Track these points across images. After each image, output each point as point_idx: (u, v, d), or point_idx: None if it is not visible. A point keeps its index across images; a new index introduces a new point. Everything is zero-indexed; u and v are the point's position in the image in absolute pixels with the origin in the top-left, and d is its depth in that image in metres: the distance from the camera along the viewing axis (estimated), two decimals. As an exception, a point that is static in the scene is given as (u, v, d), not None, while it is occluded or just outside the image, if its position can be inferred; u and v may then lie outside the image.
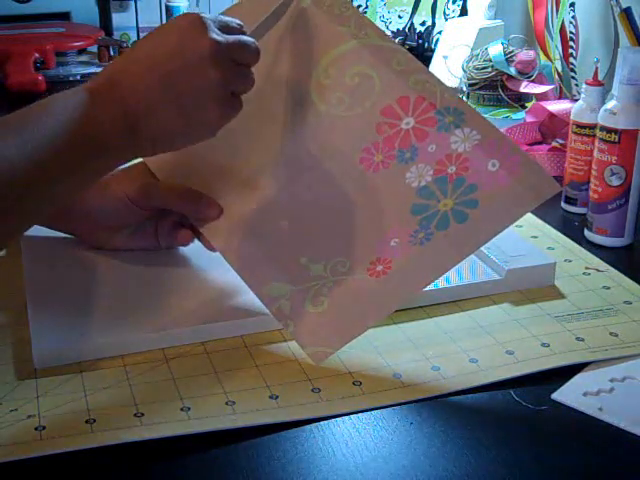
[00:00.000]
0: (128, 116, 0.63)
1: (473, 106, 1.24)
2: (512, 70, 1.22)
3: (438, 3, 1.58)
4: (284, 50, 0.76)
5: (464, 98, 1.28)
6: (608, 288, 0.82)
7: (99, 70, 1.55)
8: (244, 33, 0.69)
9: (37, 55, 1.47)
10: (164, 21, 1.67)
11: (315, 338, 0.68)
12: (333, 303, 0.69)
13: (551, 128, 1.13)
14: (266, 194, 0.75)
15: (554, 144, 1.13)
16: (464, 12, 1.53)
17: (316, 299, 0.70)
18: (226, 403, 0.64)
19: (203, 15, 0.66)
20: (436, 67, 1.43)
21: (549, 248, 0.90)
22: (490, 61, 1.22)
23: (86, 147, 0.62)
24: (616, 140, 0.88)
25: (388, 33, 1.64)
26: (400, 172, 0.71)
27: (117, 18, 1.71)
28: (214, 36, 0.65)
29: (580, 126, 0.96)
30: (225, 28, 0.67)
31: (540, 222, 0.96)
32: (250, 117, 0.74)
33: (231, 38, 0.66)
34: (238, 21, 0.69)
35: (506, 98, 1.22)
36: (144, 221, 0.82)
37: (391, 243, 0.69)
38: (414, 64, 0.73)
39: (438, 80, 0.72)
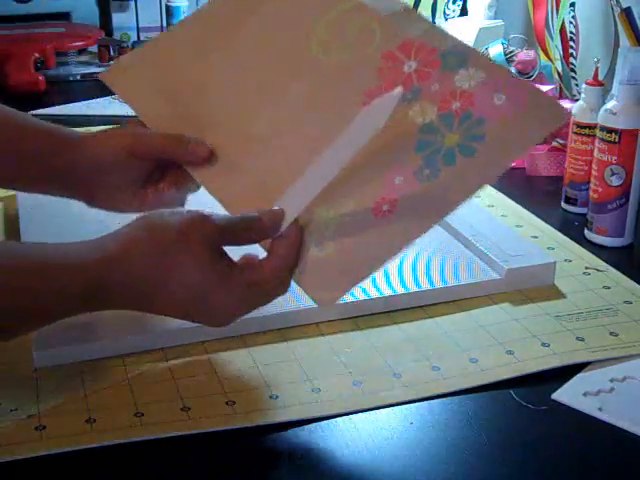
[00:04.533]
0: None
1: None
2: (512, 70, 1.22)
3: (438, 3, 1.58)
4: (283, 8, 0.77)
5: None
6: (608, 288, 0.82)
7: (99, 70, 1.55)
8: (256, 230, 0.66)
9: (37, 55, 1.47)
10: (164, 21, 1.67)
11: (321, 282, 0.66)
12: (338, 246, 0.67)
13: (551, 128, 1.13)
14: (265, 138, 0.74)
15: (554, 144, 1.13)
16: (464, 12, 1.53)
17: (320, 242, 0.67)
18: (226, 403, 0.64)
19: (223, 238, 0.64)
20: (436, 67, 1.43)
21: (549, 248, 0.90)
22: (490, 61, 1.22)
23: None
24: (616, 140, 0.88)
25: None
26: (402, 111, 0.69)
27: (117, 18, 1.71)
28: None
29: (580, 126, 0.96)
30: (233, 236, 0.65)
31: (540, 222, 0.96)
32: (251, 73, 0.75)
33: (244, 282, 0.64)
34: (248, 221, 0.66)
35: (506, 98, 1.22)
36: (144, 181, 0.80)
37: (395, 181, 0.67)
38: (416, 15, 0.73)
39: (440, 28, 0.72)
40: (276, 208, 0.66)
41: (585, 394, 0.66)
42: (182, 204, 0.83)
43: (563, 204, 1.01)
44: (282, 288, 0.66)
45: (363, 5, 0.74)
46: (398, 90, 0.67)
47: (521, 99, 0.66)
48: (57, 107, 1.34)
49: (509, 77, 0.68)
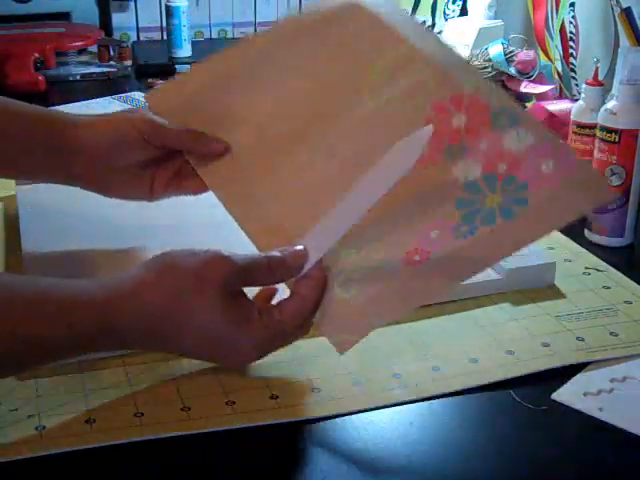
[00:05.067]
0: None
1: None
2: (512, 70, 1.22)
3: (438, 3, 1.58)
4: (337, 48, 0.77)
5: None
6: (608, 288, 0.82)
7: (99, 70, 1.55)
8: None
9: (37, 55, 1.47)
10: (164, 22, 1.67)
11: (341, 325, 0.64)
12: (363, 290, 0.65)
13: (551, 128, 1.13)
14: (296, 175, 0.73)
15: (554, 144, 1.13)
16: (464, 12, 1.53)
17: (347, 285, 0.66)
18: (226, 403, 0.64)
19: (240, 279, 0.62)
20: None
21: (549, 248, 0.90)
22: (490, 61, 1.22)
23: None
24: (616, 140, 0.88)
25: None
26: (447, 166, 0.68)
27: (117, 18, 1.71)
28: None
29: (580, 126, 0.96)
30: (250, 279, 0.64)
31: (540, 222, 0.96)
32: (289, 107, 0.76)
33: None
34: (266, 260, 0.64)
35: (506, 98, 1.22)
36: (144, 167, 0.81)
37: (431, 234, 0.66)
38: (470, 67, 0.75)
39: (493, 84, 0.72)
40: (300, 248, 0.64)
41: (585, 394, 0.66)
42: (193, 193, 0.83)
43: (563, 204, 1.01)
44: (302, 331, 0.65)
45: (416, 52, 0.73)
46: (428, 128, 0.66)
47: (569, 170, 0.65)
48: (57, 107, 1.33)
49: (558, 144, 0.67)
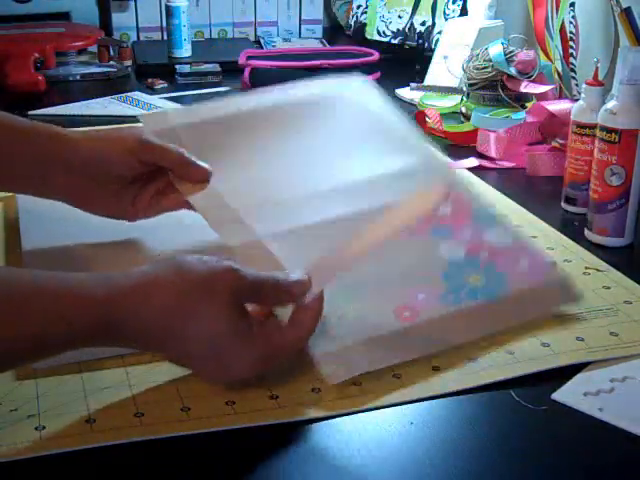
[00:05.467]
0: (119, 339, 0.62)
1: (473, 106, 1.24)
2: (512, 70, 1.22)
3: (438, 3, 1.58)
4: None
5: (464, 98, 1.28)
6: (608, 288, 0.82)
7: (99, 70, 1.55)
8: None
9: (37, 55, 1.47)
10: (164, 22, 1.67)
11: (334, 357, 0.67)
12: (357, 332, 0.68)
13: (551, 128, 1.13)
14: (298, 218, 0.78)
15: (554, 144, 1.13)
16: (464, 12, 1.53)
17: (340, 323, 0.68)
18: (226, 403, 0.64)
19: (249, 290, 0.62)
20: (436, 67, 1.43)
21: (549, 248, 0.90)
22: (490, 61, 1.22)
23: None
24: (616, 140, 0.88)
25: (388, 33, 1.64)
26: (434, 244, 0.76)
27: (117, 18, 1.71)
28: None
29: (580, 126, 0.96)
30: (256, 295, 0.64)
31: (540, 222, 0.96)
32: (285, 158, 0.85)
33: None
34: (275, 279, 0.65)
35: (506, 98, 1.22)
36: (127, 184, 0.82)
37: (419, 296, 0.71)
38: (452, 171, 0.88)
39: (472, 189, 0.83)
40: (305, 277, 0.65)
41: (585, 394, 0.66)
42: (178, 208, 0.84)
43: (563, 204, 1.01)
44: (295, 354, 0.66)
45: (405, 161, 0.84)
46: (443, 190, 0.73)
47: (540, 272, 0.76)
48: (57, 107, 1.34)
49: (531, 246, 0.79)
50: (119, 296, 0.60)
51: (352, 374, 0.66)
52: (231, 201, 0.79)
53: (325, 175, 0.83)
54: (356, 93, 0.94)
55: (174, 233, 0.85)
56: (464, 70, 1.27)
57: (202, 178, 0.81)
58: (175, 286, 0.60)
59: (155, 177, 0.83)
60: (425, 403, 0.65)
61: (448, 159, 0.77)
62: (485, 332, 0.71)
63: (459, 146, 1.19)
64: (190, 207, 0.82)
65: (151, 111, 0.94)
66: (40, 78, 1.43)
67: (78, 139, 0.81)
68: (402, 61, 1.60)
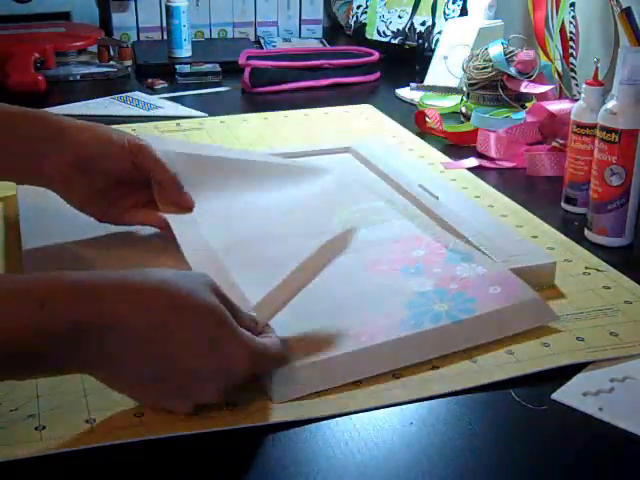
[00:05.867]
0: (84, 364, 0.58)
1: (473, 106, 1.24)
2: (512, 70, 1.22)
3: (438, 3, 1.58)
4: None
5: (464, 98, 1.28)
6: (608, 288, 0.82)
7: (99, 70, 1.55)
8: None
9: (37, 55, 1.47)
10: (164, 22, 1.67)
11: (285, 377, 0.65)
12: (311, 350, 0.67)
13: (551, 128, 1.13)
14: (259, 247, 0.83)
15: (554, 144, 1.13)
16: (464, 12, 1.53)
17: (296, 338, 0.68)
18: (226, 404, 0.64)
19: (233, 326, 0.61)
20: (436, 67, 1.43)
21: (549, 248, 0.90)
22: (490, 61, 1.22)
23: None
24: (616, 140, 0.88)
25: (388, 33, 1.64)
26: (401, 280, 0.77)
27: (117, 18, 1.71)
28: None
29: (580, 126, 0.96)
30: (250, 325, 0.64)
31: (540, 222, 0.96)
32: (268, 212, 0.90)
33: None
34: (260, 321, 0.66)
35: (506, 98, 1.22)
36: (112, 186, 0.83)
37: (380, 323, 0.71)
38: (430, 222, 0.88)
39: (453, 235, 0.84)
40: (253, 314, 0.66)
41: (585, 394, 0.66)
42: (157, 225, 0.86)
43: (563, 204, 1.01)
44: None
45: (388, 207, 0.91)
46: (353, 230, 0.71)
47: (515, 294, 0.75)
48: (57, 107, 1.33)
49: (507, 274, 0.77)
50: (106, 285, 0.58)
51: (303, 393, 0.65)
52: (207, 234, 0.83)
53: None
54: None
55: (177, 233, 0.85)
56: (464, 70, 1.27)
57: (187, 206, 0.85)
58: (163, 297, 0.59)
59: (140, 188, 0.84)
60: (425, 403, 0.65)
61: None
62: (443, 352, 0.70)
63: (459, 146, 1.19)
64: (162, 229, 0.84)
65: (145, 132, 0.97)
66: (40, 78, 1.43)
67: (78, 127, 0.81)
68: (402, 61, 1.60)
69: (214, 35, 1.78)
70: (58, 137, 0.80)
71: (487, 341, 0.71)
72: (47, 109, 1.32)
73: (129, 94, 1.41)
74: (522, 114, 1.20)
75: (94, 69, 1.56)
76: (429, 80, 1.43)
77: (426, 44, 1.58)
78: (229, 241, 0.83)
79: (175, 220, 0.83)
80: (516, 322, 0.73)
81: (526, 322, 0.73)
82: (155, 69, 1.55)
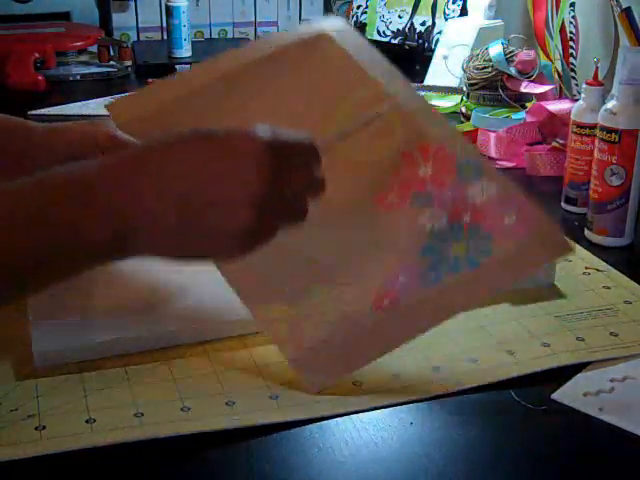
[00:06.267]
0: (118, 237, 0.56)
1: (473, 106, 1.24)
2: (512, 70, 1.22)
3: (438, 3, 1.58)
4: (305, 81, 0.78)
5: (464, 98, 1.28)
6: (608, 288, 0.82)
7: (99, 70, 1.55)
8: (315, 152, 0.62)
9: (37, 55, 1.47)
10: (164, 22, 1.67)
11: (312, 366, 0.66)
12: (334, 333, 0.67)
13: (551, 128, 1.13)
14: None
15: (554, 144, 1.13)
16: (464, 12, 1.53)
17: (317, 325, 0.68)
18: (226, 403, 0.64)
19: (273, 148, 0.57)
20: (436, 67, 1.43)
21: (549, 248, 0.90)
22: (490, 61, 1.22)
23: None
24: (616, 140, 0.88)
25: (388, 33, 1.64)
26: (414, 214, 0.71)
27: (117, 18, 1.71)
28: (273, 176, 0.57)
29: (580, 126, 0.96)
30: (291, 149, 0.60)
31: (540, 222, 0.96)
32: None
33: (296, 172, 0.59)
34: (308, 138, 0.62)
35: (506, 98, 1.22)
36: None
37: (399, 278, 0.69)
38: (436, 116, 0.76)
39: (459, 132, 0.75)
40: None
41: (585, 394, 0.66)
42: None
43: (563, 204, 1.01)
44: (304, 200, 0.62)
45: (384, 96, 0.75)
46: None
47: (531, 225, 0.69)
48: (57, 107, 1.34)
49: (520, 197, 0.70)
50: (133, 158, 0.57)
51: (334, 380, 0.65)
52: None
53: None
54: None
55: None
56: (464, 70, 1.27)
57: None
58: (195, 146, 0.57)
59: None
60: (425, 403, 0.65)
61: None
62: (467, 308, 0.69)
63: (459, 146, 1.19)
64: None
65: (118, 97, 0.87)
66: (40, 78, 1.43)
67: (43, 131, 0.80)
68: (402, 61, 1.59)
69: (214, 35, 1.78)
70: (23, 143, 0.79)
71: (506, 288, 0.70)
72: (47, 109, 1.33)
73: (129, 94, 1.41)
74: (522, 114, 1.20)
75: (94, 69, 1.57)
76: (429, 80, 1.43)
77: (426, 44, 1.58)
78: None
79: None
80: (534, 257, 0.69)
81: (544, 256, 0.70)
82: (155, 69, 1.55)
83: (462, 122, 1.27)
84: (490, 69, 1.22)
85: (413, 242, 0.70)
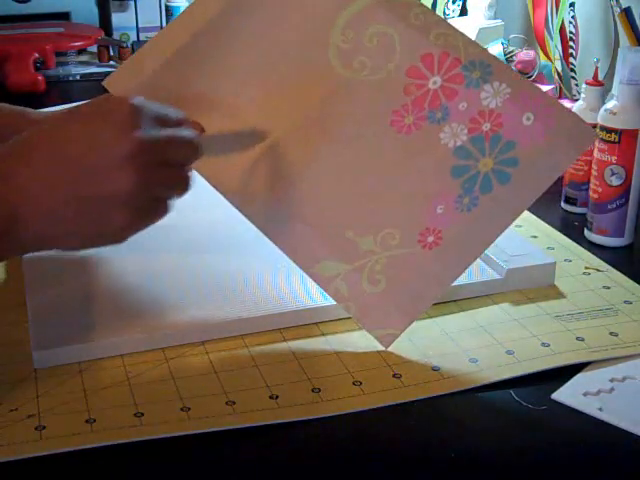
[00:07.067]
0: (7, 217, 0.57)
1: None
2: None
3: (438, 3, 1.58)
4: (294, 12, 0.73)
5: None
6: (608, 288, 0.82)
7: (99, 70, 1.55)
8: (184, 125, 0.63)
9: (37, 55, 1.47)
10: (164, 22, 1.67)
11: (380, 320, 0.68)
12: (391, 281, 0.68)
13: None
14: (296, 164, 0.72)
15: (554, 144, 1.13)
16: (464, 12, 1.53)
17: (372, 277, 0.69)
18: (226, 403, 0.64)
19: (138, 105, 0.59)
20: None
21: (549, 248, 0.90)
22: (490, 61, 1.22)
23: None
24: (616, 140, 0.88)
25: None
26: (433, 133, 0.69)
27: (117, 18, 1.71)
28: (140, 135, 0.58)
29: (580, 126, 0.96)
30: (162, 121, 0.61)
31: (540, 222, 0.96)
32: (268, 85, 0.72)
33: (163, 135, 0.60)
34: (181, 114, 0.64)
35: (506, 98, 1.22)
36: None
37: (437, 210, 0.68)
38: (432, 17, 0.71)
39: (460, 32, 0.70)
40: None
41: (585, 394, 0.66)
42: None
43: (563, 204, 1.01)
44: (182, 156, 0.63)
45: (375, 5, 0.71)
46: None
47: (551, 120, 0.67)
48: (57, 107, 1.33)
49: (536, 92, 0.69)
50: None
51: (402, 330, 0.68)
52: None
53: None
54: None
55: (175, 232, 0.85)
56: (464, 70, 1.26)
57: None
58: (62, 115, 0.60)
59: None
60: (425, 403, 0.65)
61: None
62: (509, 220, 0.70)
63: (459, 146, 1.19)
64: None
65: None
66: (40, 78, 1.43)
67: (42, 119, 0.80)
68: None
69: (214, 35, 1.77)
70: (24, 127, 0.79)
71: (541, 192, 0.70)
72: (47, 109, 1.33)
73: (129, 94, 1.41)
74: (522, 114, 1.19)
75: (94, 69, 1.56)
76: (429, 80, 1.43)
77: (426, 44, 1.58)
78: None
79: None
80: (563, 155, 0.69)
81: (572, 151, 0.70)
82: (155, 69, 1.55)
83: (462, 122, 1.27)
84: (490, 69, 1.22)
85: (440, 164, 0.69)
